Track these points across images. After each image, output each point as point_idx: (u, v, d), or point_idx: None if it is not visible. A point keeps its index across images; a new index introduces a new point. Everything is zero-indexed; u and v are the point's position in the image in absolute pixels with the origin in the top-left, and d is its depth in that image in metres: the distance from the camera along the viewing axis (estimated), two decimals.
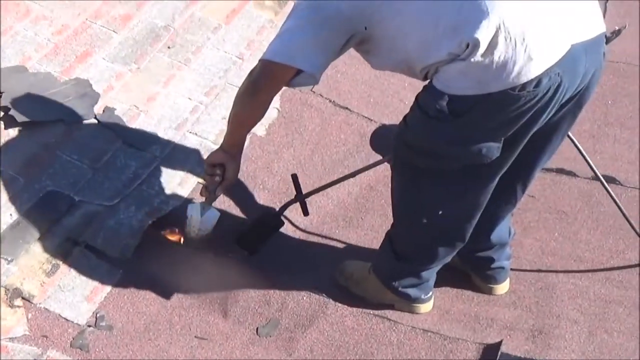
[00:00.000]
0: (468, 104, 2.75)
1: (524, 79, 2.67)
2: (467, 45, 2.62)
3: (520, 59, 2.63)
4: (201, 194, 3.48)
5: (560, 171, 4.12)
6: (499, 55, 2.63)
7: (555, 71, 2.69)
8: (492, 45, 2.62)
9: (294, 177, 3.57)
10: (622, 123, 4.46)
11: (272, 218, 3.68)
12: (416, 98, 2.92)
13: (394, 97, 4.35)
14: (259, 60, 3.02)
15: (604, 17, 4.93)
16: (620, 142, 4.35)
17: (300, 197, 3.61)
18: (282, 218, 3.72)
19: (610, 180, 4.09)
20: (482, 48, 2.61)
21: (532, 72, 2.66)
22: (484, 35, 2.60)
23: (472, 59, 2.64)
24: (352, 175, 3.67)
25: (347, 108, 4.31)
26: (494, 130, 2.82)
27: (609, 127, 4.44)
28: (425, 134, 2.89)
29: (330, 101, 4.33)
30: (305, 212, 3.66)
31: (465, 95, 2.74)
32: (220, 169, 3.36)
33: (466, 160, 2.90)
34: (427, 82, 2.87)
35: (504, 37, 2.61)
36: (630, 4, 5.18)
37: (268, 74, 3.02)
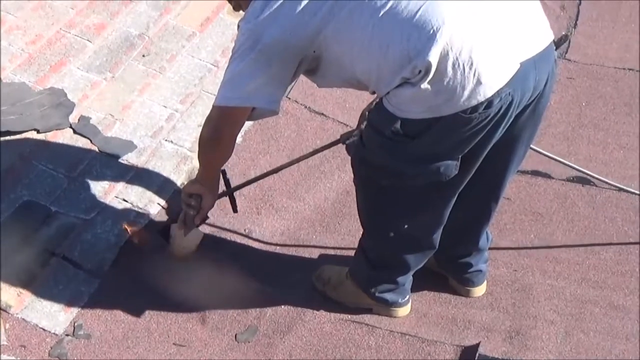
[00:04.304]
0: (421, 126, 2.76)
1: (474, 102, 2.68)
2: (419, 71, 2.63)
3: (469, 83, 2.64)
4: (179, 226, 3.47)
5: (536, 173, 4.14)
6: (447, 80, 2.64)
7: (505, 91, 2.70)
8: (441, 71, 2.62)
9: (223, 172, 3.53)
10: (596, 124, 4.48)
11: None
12: (368, 118, 2.93)
13: (369, 102, 4.35)
14: (213, 107, 3.03)
15: (577, 19, 5.06)
16: (595, 143, 4.37)
17: (229, 191, 3.57)
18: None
19: (585, 181, 4.11)
20: (432, 72, 2.62)
21: (482, 95, 2.67)
22: (434, 60, 2.60)
23: (422, 86, 2.64)
24: (292, 163, 3.63)
25: (322, 114, 4.33)
26: (450, 149, 2.84)
27: (583, 128, 4.46)
28: (382, 153, 2.90)
29: (305, 107, 4.34)
30: (234, 209, 3.63)
31: (417, 119, 2.75)
32: (197, 200, 3.36)
33: (424, 179, 2.91)
34: (375, 96, 2.90)
35: (452, 63, 2.62)
36: (602, 7, 5.21)
37: (226, 118, 3.05)
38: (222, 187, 3.47)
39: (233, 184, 3.67)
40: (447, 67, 2.62)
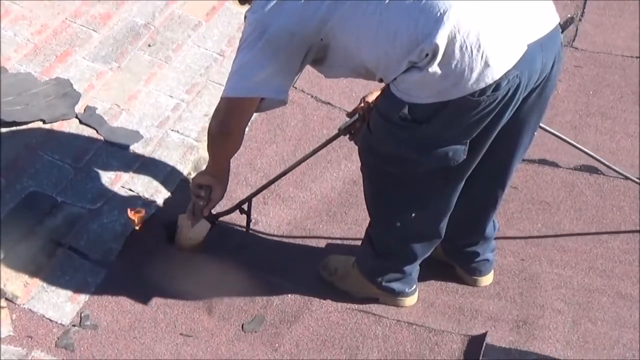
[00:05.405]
0: (429, 111, 2.76)
1: (482, 84, 2.68)
2: (427, 55, 2.63)
3: (477, 66, 2.64)
4: (187, 217, 3.47)
5: (543, 162, 4.13)
6: (455, 63, 2.64)
7: (513, 74, 2.70)
8: (448, 54, 2.62)
9: (250, 201, 3.58)
10: (603, 113, 4.47)
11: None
12: (375, 104, 2.92)
13: None
14: (222, 99, 3.03)
15: (584, 7, 5.04)
16: (602, 132, 4.36)
17: (248, 212, 3.59)
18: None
19: (592, 170, 4.10)
20: (440, 56, 2.62)
21: (490, 77, 2.67)
22: (442, 42, 2.60)
23: (430, 69, 2.64)
24: (304, 159, 3.63)
25: (329, 103, 4.32)
26: (458, 133, 2.83)
27: (591, 117, 4.45)
28: (390, 140, 2.90)
29: (312, 96, 4.33)
30: (248, 229, 3.65)
31: (425, 104, 2.75)
32: (206, 191, 3.36)
33: (433, 165, 2.91)
34: (383, 84, 2.89)
35: (459, 46, 2.62)
36: None
37: (235, 110, 3.04)
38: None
39: (239, 173, 3.68)
40: (454, 50, 2.62)
